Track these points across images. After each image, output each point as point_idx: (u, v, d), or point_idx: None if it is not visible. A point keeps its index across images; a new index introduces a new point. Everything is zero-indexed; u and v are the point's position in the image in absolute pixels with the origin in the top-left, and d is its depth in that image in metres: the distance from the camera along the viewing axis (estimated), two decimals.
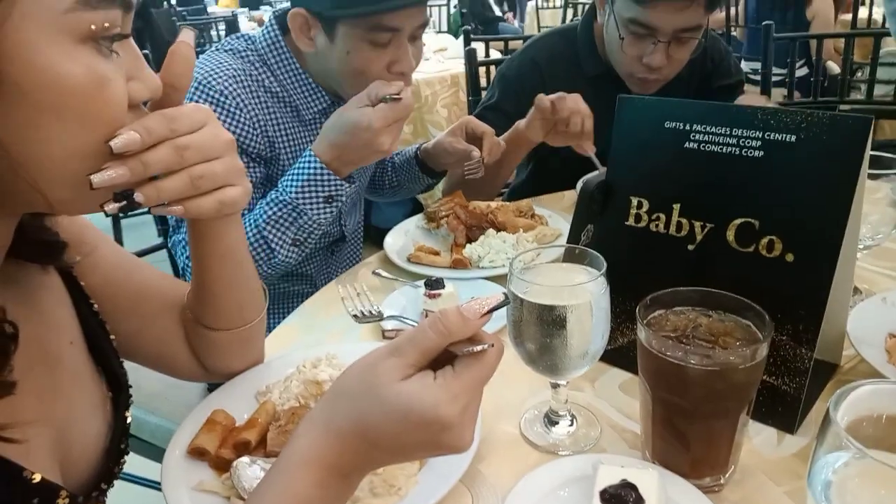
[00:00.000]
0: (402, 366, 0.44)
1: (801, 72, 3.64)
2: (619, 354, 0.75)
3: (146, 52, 3.08)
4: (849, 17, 3.97)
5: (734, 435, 0.58)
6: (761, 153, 0.65)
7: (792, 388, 0.64)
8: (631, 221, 0.76)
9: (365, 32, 1.00)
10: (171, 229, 1.08)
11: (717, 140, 0.68)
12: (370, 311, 0.89)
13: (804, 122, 0.62)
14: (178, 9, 6.76)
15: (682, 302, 0.61)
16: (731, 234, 0.67)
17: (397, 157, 1.36)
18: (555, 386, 0.66)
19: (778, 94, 3.63)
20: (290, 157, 1.10)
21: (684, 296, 0.60)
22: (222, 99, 1.01)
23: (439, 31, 5.03)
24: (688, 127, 0.70)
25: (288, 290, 1.20)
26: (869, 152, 0.60)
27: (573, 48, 1.41)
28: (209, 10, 8.48)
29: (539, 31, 6.17)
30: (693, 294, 0.60)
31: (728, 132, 0.67)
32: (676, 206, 0.72)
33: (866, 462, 0.40)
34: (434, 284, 0.89)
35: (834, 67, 3.46)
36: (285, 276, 1.15)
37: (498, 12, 7.53)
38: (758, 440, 0.65)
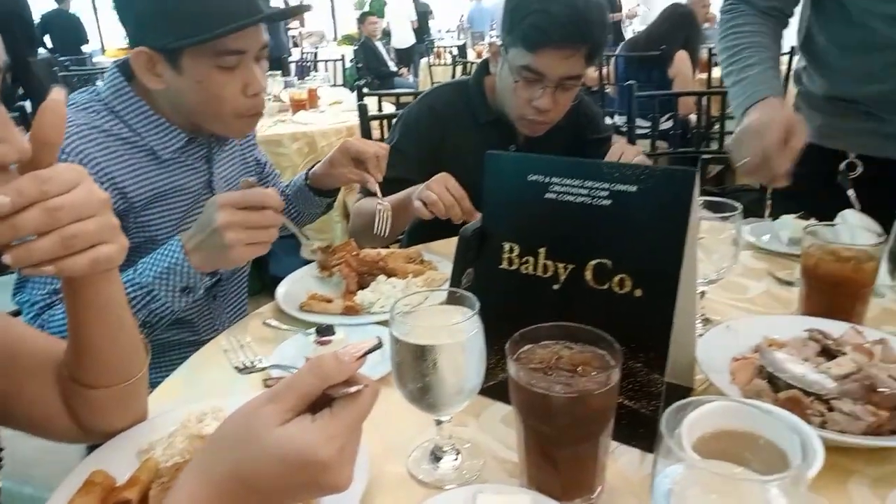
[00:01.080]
0: (281, 411, 0.46)
1: (667, 124, 4.01)
2: (500, 389, 0.79)
3: (25, 104, 2.91)
4: (705, 75, 4.45)
5: (599, 457, 0.64)
6: (609, 202, 0.74)
7: (649, 410, 0.72)
8: (504, 265, 0.82)
9: (211, 59, 1.02)
10: (14, 288, 1.02)
11: (572, 191, 0.76)
12: (253, 363, 0.90)
13: (642, 174, 0.72)
14: (60, 58, 6.43)
15: (547, 337, 0.67)
16: (588, 274, 0.75)
17: (289, 189, 1.39)
18: (438, 423, 0.70)
19: (646, 144, 3.98)
20: (147, 199, 1.09)
21: (549, 331, 0.66)
22: (63, 156, 0.98)
23: (334, 85, 5.11)
24: (547, 179, 0.78)
25: (170, 341, 1.17)
26: (697, 199, 0.70)
27: (466, 98, 1.53)
28: (94, 59, 8.13)
29: (432, 85, 6.43)
30: (556, 329, 0.66)
31: (581, 184, 0.75)
32: (542, 250, 0.79)
33: (699, 471, 0.46)
34: (324, 331, 0.91)
35: (694, 120, 3.83)
36: (167, 325, 1.13)
37: (393, 67, 7.77)
38: (623, 461, 0.71)
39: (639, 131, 4.03)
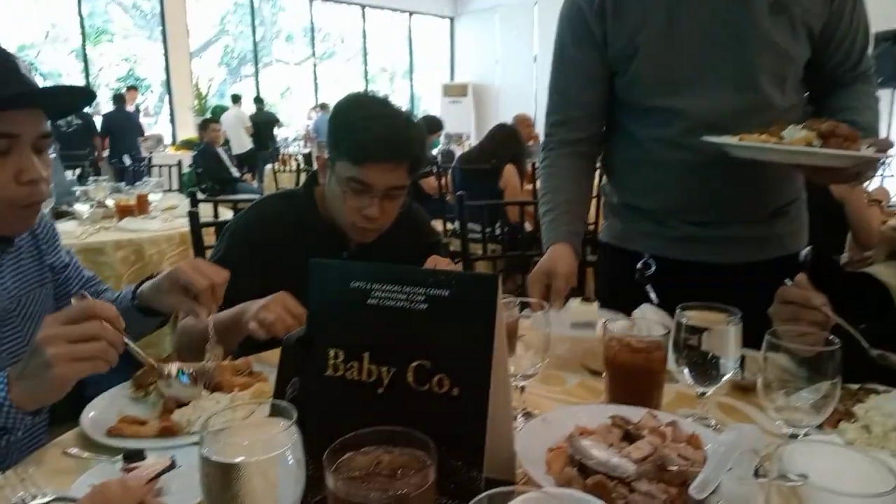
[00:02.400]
0: None
1: (500, 229, 4.32)
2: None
3: None
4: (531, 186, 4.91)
5: None
6: (426, 305, 0.78)
7: None
8: (330, 372, 0.82)
9: None
10: None
11: (392, 296, 0.79)
12: (34, 496, 0.79)
13: (453, 279, 0.77)
14: None
15: (367, 443, 0.67)
16: (410, 376, 0.77)
17: (118, 307, 1.28)
18: None
19: (478, 247, 4.24)
20: None
21: (369, 437, 0.67)
22: None
23: (168, 191, 4.93)
24: (369, 286, 0.81)
25: None
26: (501, 300, 0.76)
27: (296, 207, 1.55)
28: None
29: (277, 191, 6.43)
30: (375, 434, 0.67)
31: (400, 289, 0.79)
32: (366, 355, 0.80)
33: None
34: (133, 457, 0.84)
35: (528, 226, 4.15)
36: None
37: (236, 173, 7.68)
38: None
39: (473, 236, 4.31)
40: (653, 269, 1.48)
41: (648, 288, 1.46)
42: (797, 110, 1.40)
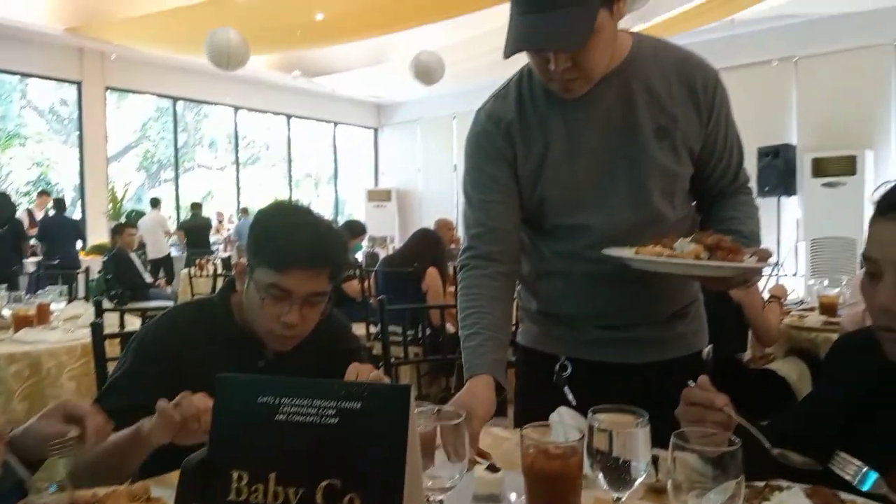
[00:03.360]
0: None
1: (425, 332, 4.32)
2: None
3: None
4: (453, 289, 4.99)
5: None
6: (336, 420, 0.76)
7: None
8: (233, 496, 0.77)
9: None
10: None
11: (301, 411, 0.77)
12: None
13: (366, 391, 0.76)
14: None
15: None
16: (319, 497, 0.74)
17: None
18: None
19: (399, 350, 4.20)
20: None
21: None
22: None
23: (74, 299, 4.66)
24: (277, 401, 0.79)
25: None
26: (413, 412, 0.75)
27: (210, 316, 1.50)
28: None
29: (192, 296, 6.20)
30: None
31: (310, 403, 0.77)
32: (272, 476, 0.76)
33: None
34: None
35: (451, 328, 4.16)
36: None
37: (148, 278, 7.39)
38: None
39: (396, 339, 4.28)
40: (569, 370, 1.51)
41: (566, 390, 1.49)
42: (688, 220, 1.53)
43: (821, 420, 1.20)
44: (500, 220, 1.48)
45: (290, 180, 13.56)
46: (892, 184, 1.03)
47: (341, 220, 6.29)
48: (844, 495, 1.00)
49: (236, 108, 12.46)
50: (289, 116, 13.16)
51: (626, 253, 1.29)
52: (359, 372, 1.35)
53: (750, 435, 1.04)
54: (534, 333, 1.62)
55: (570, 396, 1.48)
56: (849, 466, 0.99)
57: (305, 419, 0.77)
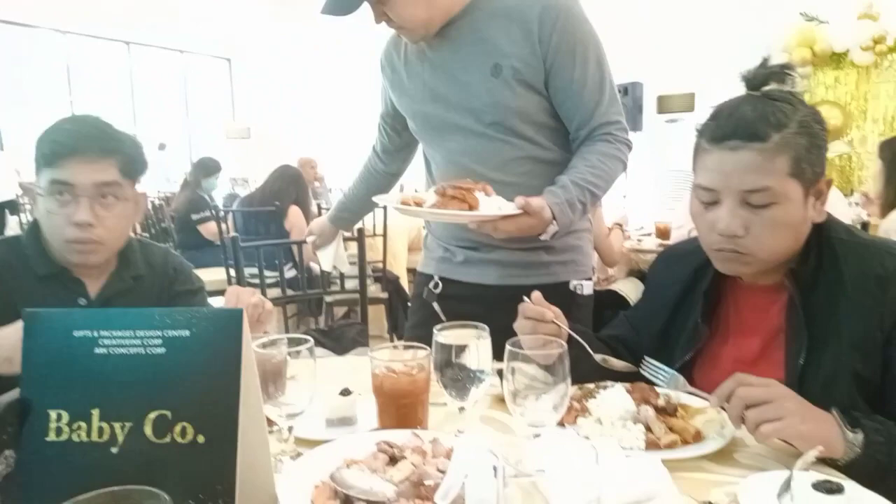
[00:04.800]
0: None
1: (291, 273, 4.22)
2: None
3: None
4: None
5: None
6: (163, 350, 0.72)
7: None
8: (52, 437, 0.72)
9: None
10: None
11: (123, 343, 0.73)
12: None
13: (193, 318, 0.73)
14: None
15: None
16: (148, 429, 0.71)
17: None
18: None
19: (276, 292, 4.10)
20: None
21: (93, 501, 0.59)
22: None
23: None
24: (96, 334, 0.73)
25: None
26: (249, 338, 0.73)
27: (19, 252, 1.36)
28: None
29: None
30: (100, 497, 0.60)
31: (133, 334, 0.73)
32: (96, 412, 0.72)
33: None
34: None
35: (316, 268, 4.10)
36: None
37: None
38: None
39: (268, 280, 4.16)
40: (439, 288, 1.65)
41: (435, 305, 1.64)
42: (545, 160, 1.55)
43: (643, 325, 1.34)
44: (385, 132, 1.82)
45: (134, 115, 12.39)
46: (725, 112, 1.07)
47: (195, 158, 5.88)
48: (660, 389, 1.12)
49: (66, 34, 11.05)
50: (128, 43, 11.89)
51: (382, 199, 1.50)
52: (239, 295, 1.30)
53: (580, 344, 1.13)
54: (423, 257, 1.77)
55: (440, 312, 1.62)
56: (655, 370, 1.12)
57: (129, 351, 0.73)
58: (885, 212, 2.82)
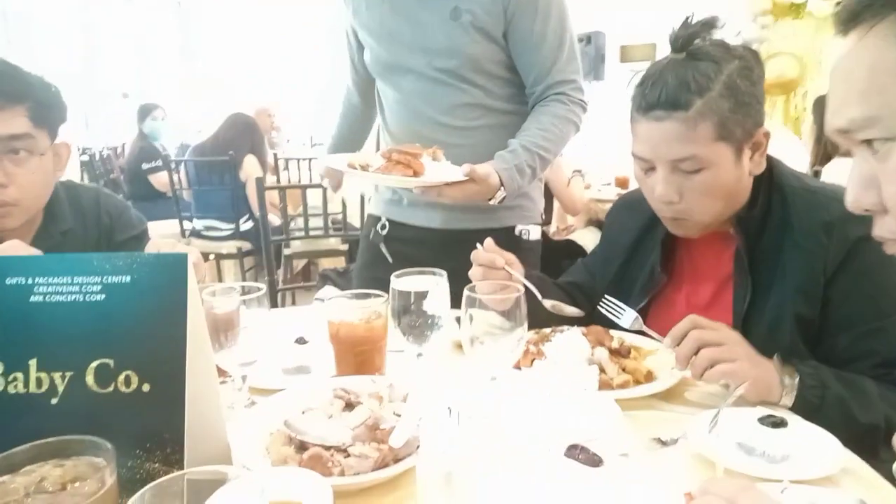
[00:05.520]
0: None
1: (248, 225, 4.13)
2: None
3: None
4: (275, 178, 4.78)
5: None
6: (103, 296, 0.69)
7: None
8: None
9: None
10: None
11: (60, 290, 0.69)
12: None
13: (135, 263, 0.69)
14: None
15: (29, 461, 0.57)
16: (90, 378, 0.68)
17: None
18: None
19: (230, 245, 4.03)
20: None
21: (28, 454, 0.57)
22: None
23: None
24: (31, 280, 0.69)
25: None
26: (195, 284, 0.70)
27: None
28: None
29: None
30: (37, 449, 0.58)
31: (70, 280, 0.69)
32: (33, 362, 0.69)
33: None
34: None
35: (275, 220, 4.02)
36: None
37: None
38: None
39: (224, 233, 4.07)
40: (386, 229, 1.65)
41: (382, 247, 1.64)
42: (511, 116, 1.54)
43: (600, 271, 1.35)
44: (353, 63, 1.73)
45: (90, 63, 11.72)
46: (649, 80, 1.06)
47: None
48: (613, 332, 1.14)
49: None
50: None
51: (331, 160, 1.46)
52: (160, 249, 1.25)
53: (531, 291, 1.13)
54: (372, 199, 1.76)
55: (387, 254, 1.63)
56: (612, 307, 1.13)
57: (67, 298, 0.69)
58: (813, 166, 2.88)
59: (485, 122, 1.51)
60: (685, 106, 1.02)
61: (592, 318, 1.20)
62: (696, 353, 0.96)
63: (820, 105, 2.89)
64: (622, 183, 3.56)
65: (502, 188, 1.38)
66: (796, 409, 0.94)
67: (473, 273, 1.12)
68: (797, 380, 0.95)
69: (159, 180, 4.54)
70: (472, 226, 1.55)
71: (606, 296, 1.15)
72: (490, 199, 1.39)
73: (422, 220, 1.61)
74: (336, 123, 1.83)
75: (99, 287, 0.69)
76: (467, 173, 1.32)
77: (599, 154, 4.57)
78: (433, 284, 1.02)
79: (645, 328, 1.10)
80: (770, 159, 1.12)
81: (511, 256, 1.15)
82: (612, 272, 1.30)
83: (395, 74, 1.54)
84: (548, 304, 1.12)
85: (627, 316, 1.10)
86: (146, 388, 0.68)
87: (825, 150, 2.81)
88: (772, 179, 1.12)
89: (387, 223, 1.65)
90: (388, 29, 1.51)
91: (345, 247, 4.23)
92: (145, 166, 4.67)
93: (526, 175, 1.42)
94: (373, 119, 1.80)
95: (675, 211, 1.09)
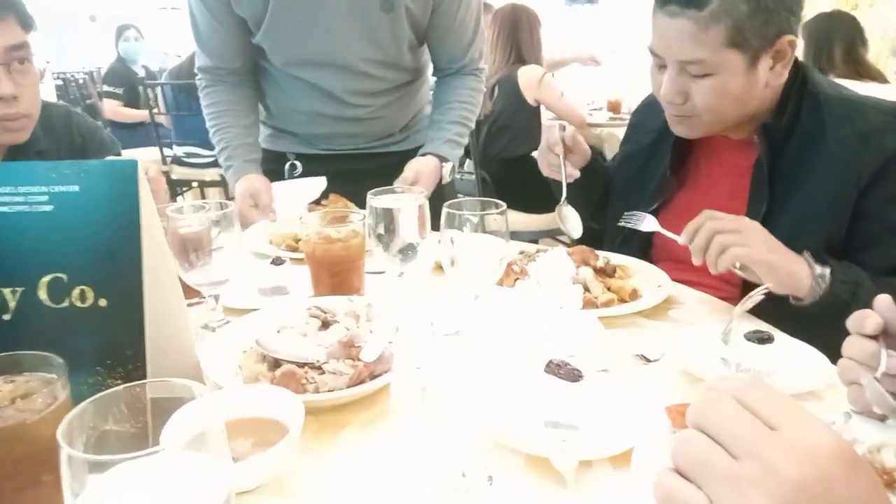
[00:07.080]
0: None
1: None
2: None
3: None
4: None
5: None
6: (51, 207, 0.64)
7: (136, 428, 0.65)
8: None
9: None
10: None
11: (4, 200, 0.64)
12: None
13: (82, 171, 0.64)
14: None
15: None
16: (43, 293, 0.64)
17: None
18: None
19: (213, 172, 3.92)
20: None
21: None
22: None
23: None
24: None
25: None
26: (147, 193, 0.65)
27: None
28: None
29: None
30: None
31: (14, 190, 0.64)
32: None
33: None
34: None
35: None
36: None
37: None
38: None
39: (205, 160, 3.95)
40: (299, 168, 1.63)
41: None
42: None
43: (618, 169, 1.35)
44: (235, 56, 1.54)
45: None
46: None
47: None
48: (600, 252, 1.11)
49: None
50: None
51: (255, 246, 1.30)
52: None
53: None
54: (265, 135, 1.66)
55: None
56: (629, 218, 1.14)
57: (11, 209, 0.64)
58: None
59: (386, 99, 1.57)
60: (700, 4, 0.97)
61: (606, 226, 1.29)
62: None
63: (812, 24, 2.75)
64: (614, 107, 3.47)
65: (446, 163, 1.52)
66: (825, 304, 0.89)
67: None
68: (829, 270, 0.90)
69: (117, 112, 4.36)
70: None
71: (628, 212, 1.16)
72: (442, 180, 1.52)
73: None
74: (224, 127, 1.53)
75: (46, 197, 0.64)
76: (413, 177, 1.44)
77: (591, 79, 4.45)
78: (413, 202, 0.98)
79: (661, 229, 1.08)
80: (803, 67, 1.08)
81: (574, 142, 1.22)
82: (630, 172, 1.30)
83: (310, 65, 1.48)
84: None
85: (647, 221, 1.11)
86: (103, 302, 0.64)
87: None
88: (804, 87, 1.07)
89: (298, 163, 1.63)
90: (318, 20, 1.41)
91: None
92: (106, 88, 4.47)
93: (460, 145, 1.58)
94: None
95: (680, 109, 1.07)
